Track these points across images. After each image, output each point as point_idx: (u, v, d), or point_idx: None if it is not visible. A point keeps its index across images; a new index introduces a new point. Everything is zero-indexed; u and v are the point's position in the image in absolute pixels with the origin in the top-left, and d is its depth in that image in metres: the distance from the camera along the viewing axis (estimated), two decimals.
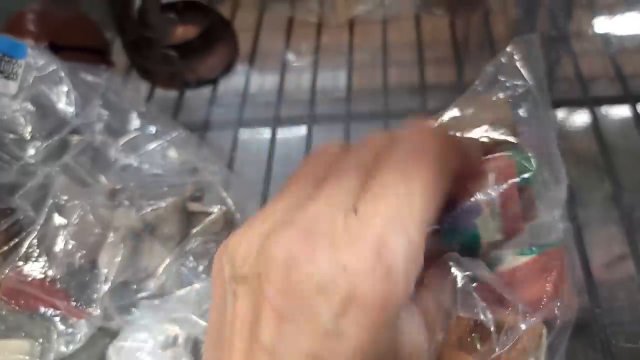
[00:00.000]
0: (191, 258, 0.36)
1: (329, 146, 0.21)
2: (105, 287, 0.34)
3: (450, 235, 0.25)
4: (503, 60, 0.30)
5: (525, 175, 0.28)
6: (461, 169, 0.21)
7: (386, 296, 0.16)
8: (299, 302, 0.16)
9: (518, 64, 0.30)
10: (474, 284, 0.21)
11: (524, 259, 0.27)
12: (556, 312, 0.24)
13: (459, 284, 0.21)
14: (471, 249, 0.25)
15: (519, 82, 0.30)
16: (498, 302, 0.23)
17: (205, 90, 0.53)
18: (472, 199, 0.28)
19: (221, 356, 0.18)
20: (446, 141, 0.21)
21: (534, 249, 0.28)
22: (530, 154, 0.29)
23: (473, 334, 0.24)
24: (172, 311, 0.34)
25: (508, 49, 0.29)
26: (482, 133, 0.30)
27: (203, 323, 0.29)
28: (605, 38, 0.52)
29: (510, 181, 0.28)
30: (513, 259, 0.28)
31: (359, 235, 0.17)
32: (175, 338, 0.34)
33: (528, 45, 0.29)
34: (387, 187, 0.18)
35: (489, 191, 0.29)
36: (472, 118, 0.30)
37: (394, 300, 0.17)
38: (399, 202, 0.17)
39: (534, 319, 0.24)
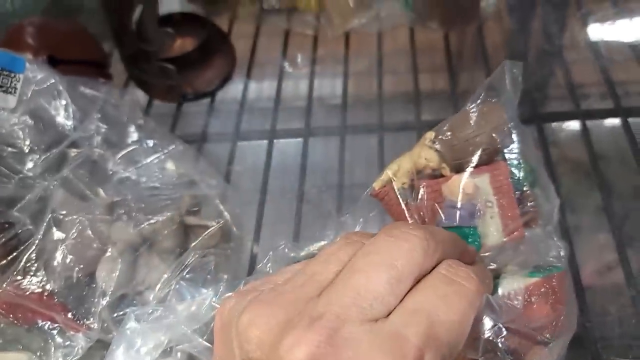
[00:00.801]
0: (190, 272, 0.36)
1: (361, 233, 0.21)
2: (103, 302, 0.35)
3: None
4: (490, 83, 0.31)
5: (521, 179, 0.30)
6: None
7: None
8: None
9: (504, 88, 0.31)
10: (503, 335, 0.22)
11: (532, 280, 0.28)
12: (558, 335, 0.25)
13: (487, 334, 0.21)
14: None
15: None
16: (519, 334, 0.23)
17: (203, 102, 0.53)
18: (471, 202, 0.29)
19: None
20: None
21: (541, 270, 0.29)
22: (524, 161, 0.30)
23: None
24: (169, 324, 0.35)
25: (493, 75, 0.30)
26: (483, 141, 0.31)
27: (199, 339, 0.29)
28: (597, 50, 0.52)
29: (505, 183, 0.29)
30: (523, 280, 0.28)
31: (391, 346, 0.16)
32: (171, 351, 0.34)
33: (513, 70, 0.30)
34: (423, 304, 0.18)
35: (484, 194, 0.30)
36: (473, 128, 0.31)
37: None
38: (436, 321, 0.18)
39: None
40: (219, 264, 0.36)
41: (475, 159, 0.31)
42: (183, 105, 0.53)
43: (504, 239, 0.29)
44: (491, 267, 0.29)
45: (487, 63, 0.52)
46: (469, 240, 0.29)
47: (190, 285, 0.35)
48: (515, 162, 0.31)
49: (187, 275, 0.35)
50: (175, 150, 0.43)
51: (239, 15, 0.58)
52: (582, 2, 0.58)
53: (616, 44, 0.55)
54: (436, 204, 0.30)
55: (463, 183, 0.30)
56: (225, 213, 0.40)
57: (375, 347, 0.16)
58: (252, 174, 0.47)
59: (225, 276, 0.37)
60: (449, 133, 0.32)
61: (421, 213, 0.31)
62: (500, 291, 0.28)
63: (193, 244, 0.36)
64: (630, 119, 0.47)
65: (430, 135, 0.33)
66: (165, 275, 0.35)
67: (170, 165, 0.43)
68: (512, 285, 0.28)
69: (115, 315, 0.35)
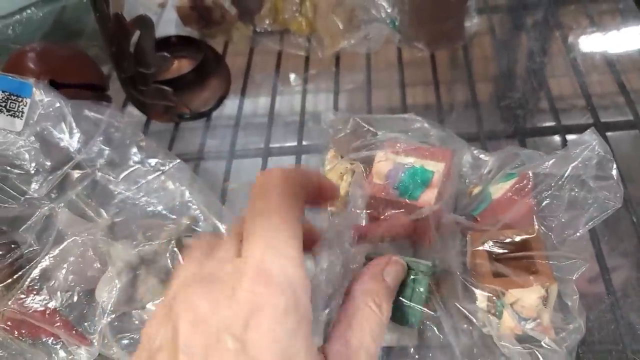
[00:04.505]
0: None
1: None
2: (103, 320, 0.36)
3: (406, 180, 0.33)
4: None
5: None
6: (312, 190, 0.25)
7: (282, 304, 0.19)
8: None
9: None
10: None
11: (507, 184, 0.35)
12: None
13: None
14: (424, 182, 0.33)
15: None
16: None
17: (200, 121, 0.55)
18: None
19: None
20: (285, 176, 0.23)
21: (508, 174, 0.36)
22: None
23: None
24: None
25: None
26: None
27: None
28: (577, 67, 0.55)
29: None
30: (499, 187, 0.36)
31: (244, 268, 0.20)
32: None
33: None
34: (255, 229, 0.21)
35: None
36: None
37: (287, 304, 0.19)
38: (268, 235, 0.21)
39: None
40: None
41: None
42: (180, 125, 0.54)
43: (442, 164, 0.35)
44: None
45: (472, 80, 0.55)
46: (419, 174, 0.34)
47: None
48: None
49: None
50: (174, 169, 0.45)
51: (233, 37, 0.60)
52: (562, 22, 0.60)
53: (594, 60, 0.57)
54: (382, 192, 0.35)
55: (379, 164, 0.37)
56: (223, 231, 0.41)
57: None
58: (247, 191, 0.49)
59: None
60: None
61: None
62: (493, 196, 0.35)
63: None
64: (608, 133, 0.49)
65: (332, 152, 0.41)
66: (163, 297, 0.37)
67: (170, 185, 0.45)
68: (500, 190, 0.35)
69: (115, 332, 0.37)
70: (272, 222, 0.21)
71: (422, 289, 0.29)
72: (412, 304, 0.28)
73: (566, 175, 0.33)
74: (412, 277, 0.29)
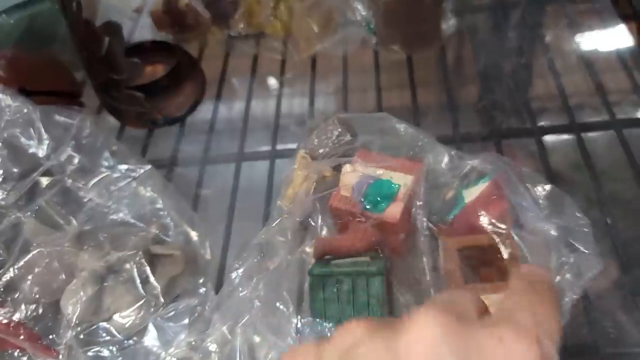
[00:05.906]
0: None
1: None
2: (69, 332, 0.36)
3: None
4: None
5: None
6: None
7: None
8: None
9: None
10: None
11: (479, 188, 0.35)
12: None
13: None
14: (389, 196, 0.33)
15: None
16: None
17: (174, 127, 0.55)
18: None
19: None
20: None
21: (482, 178, 0.36)
22: None
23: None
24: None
25: None
26: None
27: None
28: (553, 68, 0.55)
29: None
30: (472, 191, 0.36)
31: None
32: None
33: None
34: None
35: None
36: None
37: None
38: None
39: None
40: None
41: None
42: (155, 130, 0.54)
43: (411, 176, 0.35)
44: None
45: (448, 82, 0.54)
46: (384, 187, 0.34)
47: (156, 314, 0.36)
48: None
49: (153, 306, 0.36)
50: (146, 175, 0.44)
51: (208, 42, 0.59)
52: (540, 23, 0.60)
53: (572, 61, 0.57)
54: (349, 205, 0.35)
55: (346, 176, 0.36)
56: (193, 237, 0.41)
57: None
58: (219, 197, 0.48)
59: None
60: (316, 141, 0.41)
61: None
62: (466, 200, 0.35)
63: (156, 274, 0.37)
64: (583, 134, 0.49)
65: (302, 153, 0.40)
66: (134, 306, 0.36)
67: (141, 191, 0.44)
68: (472, 193, 0.35)
69: (81, 343, 0.36)
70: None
71: (378, 290, 0.29)
72: (372, 303, 0.28)
73: None
74: (364, 279, 0.28)
